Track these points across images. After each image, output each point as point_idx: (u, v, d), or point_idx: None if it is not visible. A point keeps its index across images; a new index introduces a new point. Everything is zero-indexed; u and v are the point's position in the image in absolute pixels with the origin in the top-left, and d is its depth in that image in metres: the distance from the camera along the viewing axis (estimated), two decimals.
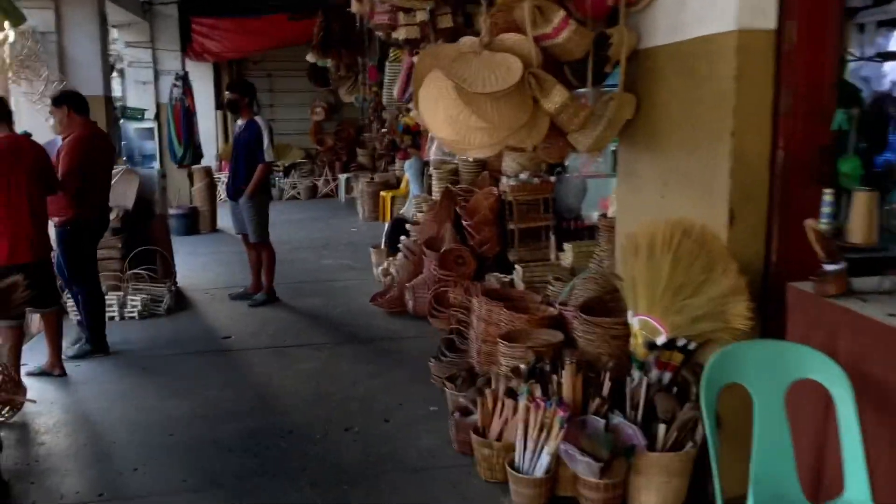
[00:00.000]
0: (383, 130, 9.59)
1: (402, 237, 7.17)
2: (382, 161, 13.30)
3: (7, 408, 4.39)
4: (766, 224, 3.13)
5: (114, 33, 10.95)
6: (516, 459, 3.33)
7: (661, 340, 3.22)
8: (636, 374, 3.37)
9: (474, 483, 3.56)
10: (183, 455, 3.97)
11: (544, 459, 3.23)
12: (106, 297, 6.46)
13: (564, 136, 3.88)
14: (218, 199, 11.48)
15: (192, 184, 11.34)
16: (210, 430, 4.26)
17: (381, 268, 7.44)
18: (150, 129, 10.76)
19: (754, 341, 2.75)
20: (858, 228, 2.81)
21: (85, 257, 5.52)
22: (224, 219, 9.27)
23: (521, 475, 3.27)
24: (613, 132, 3.76)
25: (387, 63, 6.38)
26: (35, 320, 5.83)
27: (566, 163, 6.22)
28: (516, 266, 5.64)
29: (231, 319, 6.57)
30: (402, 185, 11.26)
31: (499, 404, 3.60)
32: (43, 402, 4.71)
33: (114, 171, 7.03)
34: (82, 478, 3.81)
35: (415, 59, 5.13)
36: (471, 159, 6.91)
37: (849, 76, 4.24)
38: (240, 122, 6.98)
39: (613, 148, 5.64)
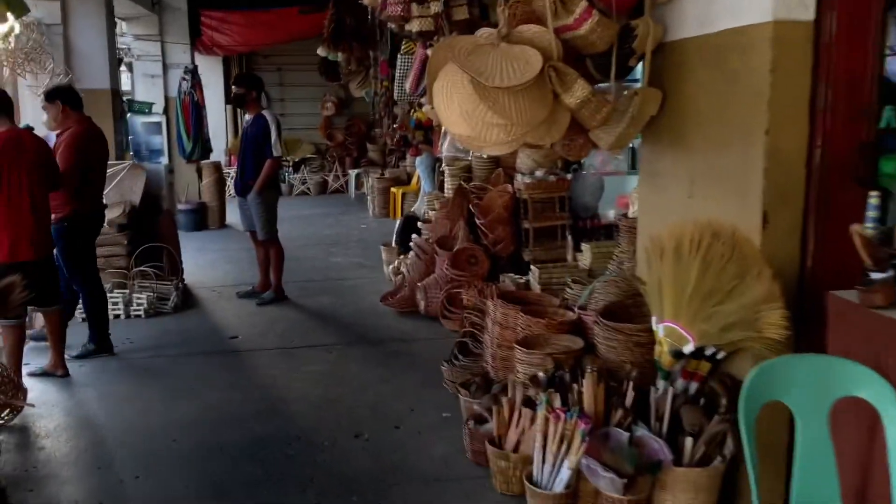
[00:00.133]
0: (395, 126, 9.42)
1: (414, 235, 7.00)
2: (393, 157, 13.15)
3: (6, 410, 4.26)
4: (801, 227, 2.95)
5: (122, 27, 10.83)
6: (534, 473, 3.17)
7: (688, 349, 3.05)
8: (661, 383, 3.20)
9: (490, 496, 3.41)
10: (186, 462, 3.83)
11: (564, 474, 3.07)
12: (111, 294, 6.37)
13: (585, 132, 3.71)
14: (227, 195, 11.36)
15: (200, 179, 11.22)
16: (214, 435, 4.11)
17: (391, 266, 7.29)
18: (158, 124, 10.63)
19: (797, 356, 2.57)
20: None
21: (84, 254, 5.40)
22: (233, 214, 9.14)
23: (539, 490, 3.11)
24: (637, 129, 3.59)
25: (399, 55, 6.20)
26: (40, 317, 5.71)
27: (582, 160, 6.04)
28: (532, 267, 5.47)
29: (238, 318, 6.43)
30: (413, 181, 11.10)
31: (515, 413, 3.44)
32: (44, 404, 4.59)
33: (120, 167, 6.97)
34: (82, 486, 3.67)
35: (428, 51, 4.95)
36: (485, 156, 6.74)
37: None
38: (247, 116, 6.84)
39: (631, 145, 5.49)
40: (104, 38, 7.35)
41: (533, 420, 3.29)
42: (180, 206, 10.63)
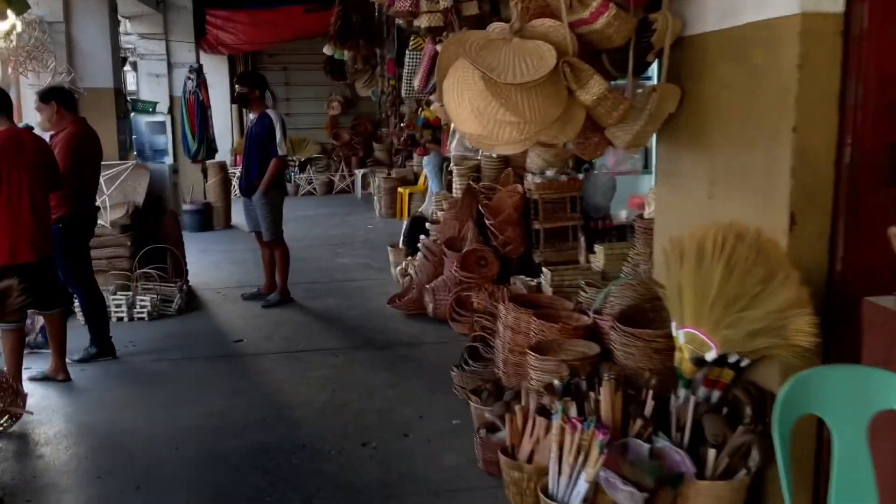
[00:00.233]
0: (402, 125, 9.30)
1: (422, 236, 6.88)
2: (399, 156, 13.04)
3: (5, 417, 4.16)
4: (829, 229, 2.82)
5: (127, 25, 10.74)
6: (550, 485, 3.04)
7: (710, 356, 2.92)
8: (682, 392, 3.07)
9: None
10: (188, 471, 3.71)
11: (582, 487, 2.93)
12: (114, 297, 6.28)
13: (601, 130, 3.58)
14: (232, 195, 11.26)
15: (206, 179, 11.13)
16: (218, 443, 4.00)
17: (399, 268, 7.17)
18: (162, 123, 10.54)
19: (833, 367, 2.44)
20: None
21: (80, 256, 5.31)
22: (238, 215, 9.05)
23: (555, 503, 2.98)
24: (655, 127, 3.46)
25: (407, 51, 6.06)
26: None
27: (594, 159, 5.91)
28: (543, 269, 5.33)
29: (243, 321, 6.32)
30: (420, 181, 10.99)
31: (529, 422, 3.31)
32: (44, 410, 4.49)
33: (124, 167, 6.87)
34: (81, 496, 3.58)
35: (438, 46, 4.82)
36: (494, 156, 6.61)
37: None
38: (252, 115, 6.73)
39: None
40: (107, 36, 7.24)
41: (548, 429, 3.16)
42: (185, 207, 10.54)
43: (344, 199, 14.10)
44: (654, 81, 4.16)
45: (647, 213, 4.80)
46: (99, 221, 6.40)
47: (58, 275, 5.03)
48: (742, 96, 3.04)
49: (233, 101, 11.20)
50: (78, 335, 5.36)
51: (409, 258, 7.06)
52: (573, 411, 3.12)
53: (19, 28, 6.53)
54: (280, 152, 6.50)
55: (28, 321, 5.34)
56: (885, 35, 2.68)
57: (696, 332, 2.96)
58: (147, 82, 11.04)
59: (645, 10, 3.41)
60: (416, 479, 3.57)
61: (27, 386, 4.66)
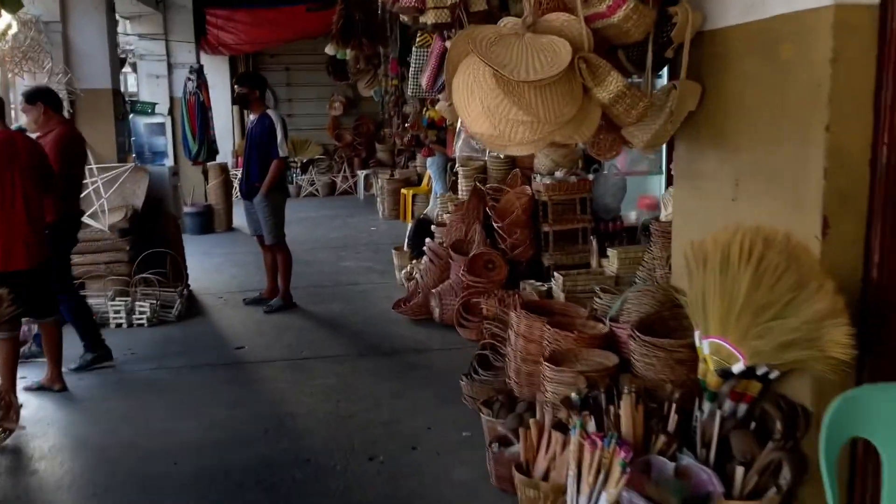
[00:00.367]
0: (406, 125, 9.15)
1: (427, 239, 6.72)
2: (402, 157, 12.87)
3: None
4: (865, 234, 2.66)
5: (126, 26, 10.59)
6: None
7: (738, 368, 2.76)
8: (707, 405, 2.91)
9: None
10: (188, 488, 3.56)
11: None
12: (113, 302, 6.13)
13: (616, 130, 3.43)
14: (234, 197, 11.11)
15: (207, 181, 10.98)
16: (219, 457, 3.84)
17: (404, 271, 7.01)
18: (161, 125, 10.39)
19: (882, 385, 2.25)
20: None
21: (67, 259, 5.18)
22: (240, 217, 8.90)
23: None
24: (675, 126, 3.29)
25: (413, 49, 5.88)
26: None
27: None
28: (555, 274, 5.16)
29: (245, 327, 6.17)
30: (424, 181, 10.84)
31: (544, 437, 3.15)
32: (39, 422, 4.34)
33: (122, 169, 6.72)
34: None
35: (447, 43, 4.65)
36: (501, 156, 6.44)
37: None
38: (252, 116, 6.57)
39: None
40: (105, 36, 7.07)
41: (565, 445, 3.00)
42: (186, 209, 10.40)
43: (346, 201, 13.95)
44: (665, 79, 4.02)
45: (663, 215, 4.63)
46: (97, 225, 6.28)
47: (64, 278, 4.90)
48: (769, 93, 2.88)
49: (233, 102, 11.05)
50: (75, 343, 5.19)
51: (414, 261, 6.90)
52: (591, 426, 2.96)
53: (15, 28, 6.38)
54: (281, 153, 6.35)
55: (25, 328, 5.21)
56: None
57: (722, 343, 2.80)
58: (147, 83, 10.88)
59: (663, 3, 3.26)
60: (426, 496, 3.42)
61: (22, 396, 4.51)
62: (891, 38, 2.54)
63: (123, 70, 10.19)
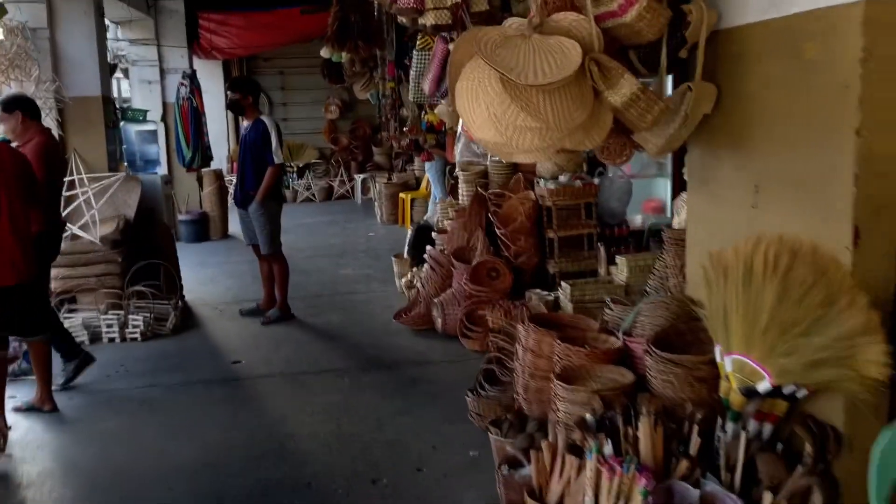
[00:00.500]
0: (405, 129, 8.98)
1: (428, 246, 6.54)
2: (400, 160, 12.71)
3: None
4: None
5: (117, 32, 10.41)
6: None
7: (763, 387, 2.60)
8: (730, 426, 2.75)
9: None
10: None
11: None
12: (105, 316, 5.97)
13: (626, 134, 3.27)
14: (229, 204, 10.94)
15: (201, 188, 10.81)
16: (215, 482, 3.67)
17: (404, 279, 6.84)
18: (154, 132, 10.21)
19: None
20: None
21: (48, 271, 5.03)
22: (235, 224, 8.73)
23: None
24: (689, 130, 3.13)
25: (413, 51, 5.71)
26: None
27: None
28: (562, 283, 4.99)
29: (241, 339, 5.99)
30: (422, 186, 10.68)
31: (558, 460, 2.98)
32: (28, 445, 4.17)
33: (113, 178, 6.56)
34: None
35: (450, 45, 4.48)
36: (504, 161, 6.27)
37: None
38: (245, 122, 6.40)
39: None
40: (94, 42, 6.90)
41: (580, 469, 2.83)
42: (180, 217, 10.24)
43: (344, 205, 13.78)
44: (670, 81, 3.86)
45: (676, 222, 4.46)
46: (88, 237, 6.11)
47: (44, 298, 4.72)
48: (792, 94, 2.72)
49: (226, 108, 10.90)
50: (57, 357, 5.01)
51: (415, 269, 6.73)
52: (607, 447, 2.80)
53: (0, 35, 6.21)
54: (276, 160, 6.17)
55: (15, 344, 5.03)
56: None
57: (746, 360, 2.65)
58: (139, 89, 10.70)
59: (676, 1, 3.10)
60: None
61: (11, 417, 4.35)
62: None
63: (116, 76, 10.02)
